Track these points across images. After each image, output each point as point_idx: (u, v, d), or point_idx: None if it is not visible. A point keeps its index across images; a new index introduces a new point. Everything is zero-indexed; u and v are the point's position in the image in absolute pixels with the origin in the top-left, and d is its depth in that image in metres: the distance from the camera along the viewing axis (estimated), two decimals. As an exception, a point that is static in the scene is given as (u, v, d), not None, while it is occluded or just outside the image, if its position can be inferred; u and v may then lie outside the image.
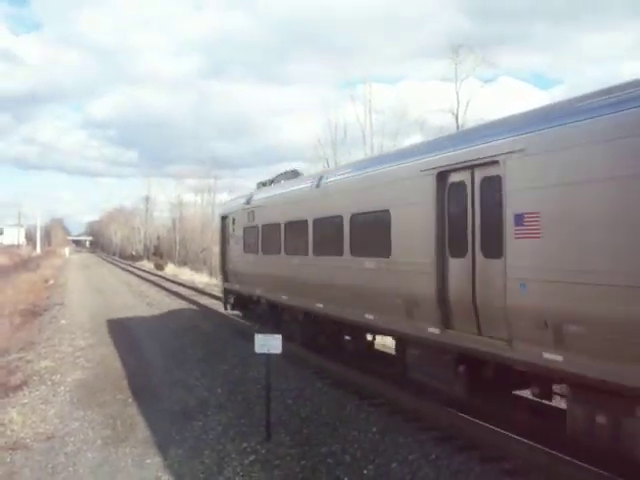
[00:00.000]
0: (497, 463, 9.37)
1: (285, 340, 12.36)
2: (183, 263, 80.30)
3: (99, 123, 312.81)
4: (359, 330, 15.65)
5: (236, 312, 25.59)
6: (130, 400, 14.42)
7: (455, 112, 44.13)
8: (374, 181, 13.53)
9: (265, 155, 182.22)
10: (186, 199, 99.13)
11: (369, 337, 16.51)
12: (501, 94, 72.47)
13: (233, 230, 24.67)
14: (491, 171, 9.88)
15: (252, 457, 10.49)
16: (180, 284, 47.65)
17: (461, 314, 10.64)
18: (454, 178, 10.87)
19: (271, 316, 20.74)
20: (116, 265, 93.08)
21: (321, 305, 15.92)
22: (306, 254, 16.76)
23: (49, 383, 16.38)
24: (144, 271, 71.07)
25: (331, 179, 16.18)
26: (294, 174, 21.95)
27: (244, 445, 11.02)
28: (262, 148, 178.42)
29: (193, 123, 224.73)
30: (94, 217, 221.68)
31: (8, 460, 11.07)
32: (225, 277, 26.34)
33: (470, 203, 10.42)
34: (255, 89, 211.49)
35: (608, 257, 7.76)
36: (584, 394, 8.60)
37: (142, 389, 15.25)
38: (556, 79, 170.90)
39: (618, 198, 7.67)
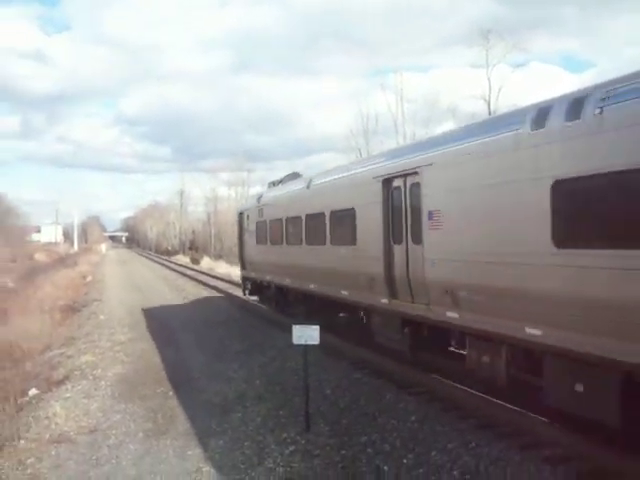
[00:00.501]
0: (537, 451, 9.32)
1: (291, 317, 19.03)
2: (219, 256, 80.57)
3: (131, 120, 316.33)
4: (343, 305, 18.06)
5: (254, 297, 28.63)
6: (170, 393, 14.59)
7: (487, 98, 43.78)
8: (344, 184, 16.94)
9: (298, 147, 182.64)
10: (220, 193, 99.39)
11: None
12: (533, 79, 71.45)
13: (247, 225, 28.26)
14: (415, 179, 13.04)
15: (292, 447, 10.55)
16: (216, 277, 47.88)
17: (401, 287, 13.82)
18: (395, 183, 14.06)
19: (279, 298, 24.58)
20: (152, 260, 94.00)
21: (313, 286, 19.27)
22: (301, 244, 20.18)
23: (90, 377, 16.66)
24: (180, 265, 71.62)
25: (317, 182, 19.36)
26: (295, 176, 24.85)
27: (284, 436, 11.09)
28: (294, 140, 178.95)
29: (224, 117, 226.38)
30: (129, 213, 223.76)
31: (53, 453, 11.31)
32: (243, 266, 30.03)
33: (404, 202, 13.64)
34: (285, 82, 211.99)
35: (482, 242, 10.83)
36: (475, 342, 11.57)
37: (181, 382, 15.41)
38: (588, 61, 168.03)
39: (487, 200, 10.64)
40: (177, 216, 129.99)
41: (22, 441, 12.14)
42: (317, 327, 11.52)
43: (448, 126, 37.86)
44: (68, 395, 15.12)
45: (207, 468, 10.09)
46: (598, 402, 8.80)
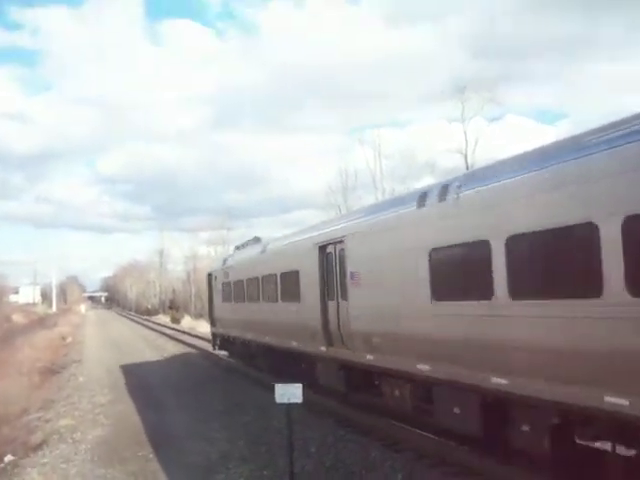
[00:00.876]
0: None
1: (257, 370, 23.96)
2: (199, 315, 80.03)
3: (111, 179, 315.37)
4: (295, 355, 20.19)
5: (223, 352, 31.12)
6: (151, 455, 14.26)
7: (464, 152, 44.33)
8: (290, 250, 19.81)
9: (278, 204, 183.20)
10: (200, 251, 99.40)
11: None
12: (508, 132, 72.44)
13: (215, 285, 31.23)
14: (342, 245, 15.55)
15: (277, 510, 10.33)
16: (197, 336, 47.48)
17: (335, 337, 16.21)
18: (328, 249, 16.61)
19: (244, 351, 26.99)
20: (132, 320, 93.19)
21: (269, 339, 22.05)
22: (259, 301, 23.07)
23: (69, 441, 16.28)
24: (160, 325, 71.05)
25: (270, 247, 22.47)
26: (256, 240, 27.48)
27: (269, 497, 10.86)
28: (275, 197, 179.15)
29: (205, 175, 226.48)
30: (108, 273, 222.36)
31: (30, 522, 10.95)
32: (212, 323, 32.93)
33: (335, 265, 16.13)
34: (265, 139, 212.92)
35: (386, 298, 13.28)
36: (387, 379, 14.34)
37: (163, 444, 15.08)
38: (561, 114, 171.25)
39: (388, 264, 13.21)
40: (157, 275, 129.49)
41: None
42: (300, 385, 11.35)
43: (426, 181, 38.17)
44: (46, 460, 14.73)
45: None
46: (469, 419, 10.99)
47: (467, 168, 40.28)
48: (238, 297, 26.33)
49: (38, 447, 16.12)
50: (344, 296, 15.56)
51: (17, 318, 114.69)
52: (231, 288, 27.58)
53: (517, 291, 9.42)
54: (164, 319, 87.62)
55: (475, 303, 10.26)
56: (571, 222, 8.39)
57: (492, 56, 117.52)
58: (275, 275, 21.04)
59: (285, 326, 20.12)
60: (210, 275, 32.60)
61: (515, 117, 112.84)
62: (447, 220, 11.14)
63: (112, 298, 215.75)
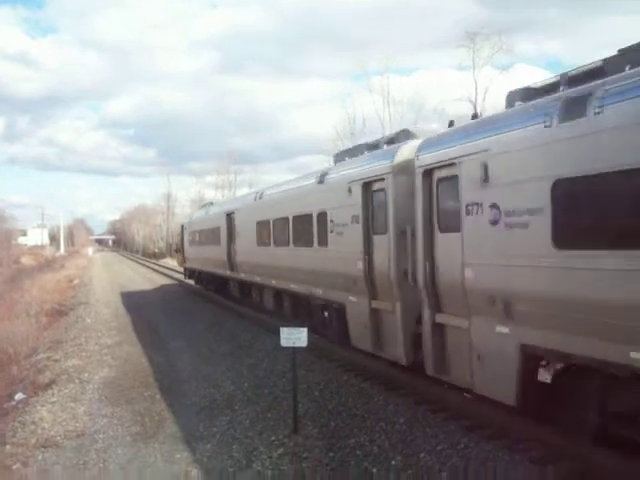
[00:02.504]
0: (525, 452, 9.33)
1: (208, 290, 37.42)
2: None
3: (117, 123, 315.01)
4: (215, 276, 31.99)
5: (191, 281, 43.51)
6: (158, 397, 14.52)
7: (473, 100, 43.87)
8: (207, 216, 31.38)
9: (285, 149, 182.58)
10: (207, 195, 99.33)
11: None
12: (518, 81, 71.66)
13: (185, 234, 44.64)
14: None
15: (280, 450, 10.52)
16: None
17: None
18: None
19: (211, 281, 36.67)
20: (139, 263, 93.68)
21: (209, 268, 35.06)
22: (201, 246, 37.84)
23: (77, 381, 16.53)
24: (167, 268, 71.31)
25: (213, 210, 35.59)
26: (208, 205, 41.74)
27: (272, 438, 11.05)
28: (281, 142, 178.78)
29: (211, 119, 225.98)
30: (116, 216, 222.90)
31: (40, 458, 11.20)
32: (184, 261, 46.85)
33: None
34: (272, 84, 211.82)
35: None
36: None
37: (169, 385, 15.37)
38: (572, 64, 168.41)
39: None
40: (164, 219, 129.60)
41: (8, 446, 12.02)
42: (304, 329, 11.51)
43: (434, 128, 37.83)
44: (55, 399, 15.00)
45: (195, 471, 10.04)
46: None
47: (476, 116, 39.86)
48: (194, 242, 39.90)
49: (47, 386, 16.39)
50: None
51: (26, 260, 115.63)
52: (194, 237, 39.56)
53: None
54: (171, 262, 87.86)
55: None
56: None
57: (499, 4, 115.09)
58: (216, 229, 31.53)
59: (208, 259, 34.63)
60: (182, 227, 44.67)
61: (525, 66, 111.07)
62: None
63: (119, 241, 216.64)
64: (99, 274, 64.78)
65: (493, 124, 10.26)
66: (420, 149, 12.14)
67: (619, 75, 8.00)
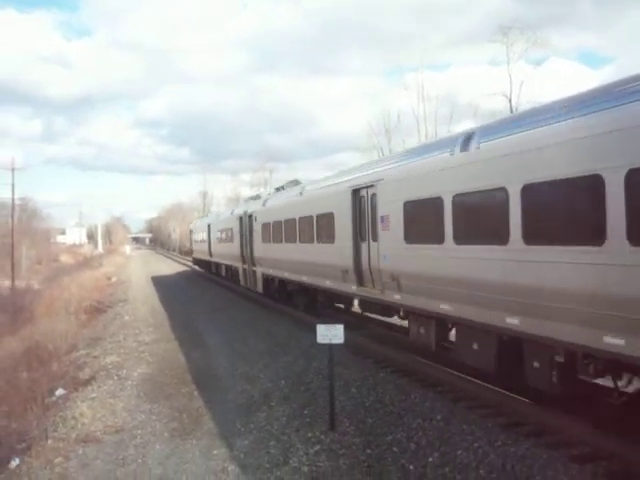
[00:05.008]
0: (564, 450, 9.25)
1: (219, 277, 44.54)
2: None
3: (152, 122, 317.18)
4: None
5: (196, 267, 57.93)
6: (195, 393, 14.64)
7: (508, 95, 43.46)
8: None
9: (319, 146, 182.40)
10: (242, 193, 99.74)
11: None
12: (552, 75, 70.58)
13: (210, 232, 46.25)
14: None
15: (317, 447, 10.54)
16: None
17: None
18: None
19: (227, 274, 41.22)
20: (175, 260, 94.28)
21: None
22: (218, 243, 37.82)
23: (116, 378, 16.74)
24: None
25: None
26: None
27: (309, 435, 11.09)
28: (315, 139, 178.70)
29: (245, 118, 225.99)
30: (152, 214, 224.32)
31: (80, 452, 11.39)
32: (209, 254, 47.92)
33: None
34: (305, 81, 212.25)
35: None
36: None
37: (206, 382, 15.46)
38: (607, 58, 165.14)
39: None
40: (200, 216, 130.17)
41: (50, 440, 12.24)
42: (341, 326, 11.51)
43: (468, 124, 37.63)
44: (94, 395, 15.22)
45: (232, 467, 10.12)
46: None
47: (511, 111, 39.56)
48: (215, 240, 39.70)
49: (87, 382, 16.63)
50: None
51: (64, 258, 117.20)
52: (210, 235, 41.01)
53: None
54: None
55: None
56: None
57: None
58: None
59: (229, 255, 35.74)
60: (209, 225, 42.43)
61: (559, 60, 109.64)
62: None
63: (156, 239, 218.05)
64: (136, 272, 65.36)
65: None
66: None
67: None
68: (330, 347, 11.62)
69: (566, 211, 9.16)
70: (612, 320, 8.35)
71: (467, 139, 11.68)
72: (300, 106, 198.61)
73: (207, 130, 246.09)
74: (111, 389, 15.66)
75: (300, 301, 24.83)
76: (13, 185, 67.43)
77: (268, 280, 28.34)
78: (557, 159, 9.21)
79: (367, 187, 16.37)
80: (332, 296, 21.18)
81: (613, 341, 8.42)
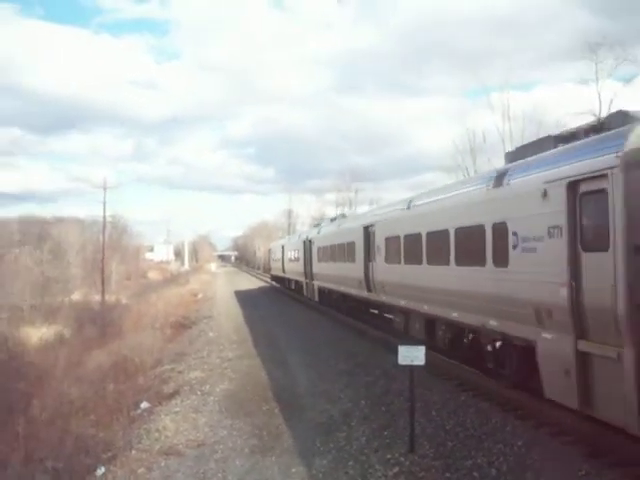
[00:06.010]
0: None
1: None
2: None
3: (237, 142, 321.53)
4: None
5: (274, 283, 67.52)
6: (276, 411, 14.73)
7: (597, 114, 42.41)
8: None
9: (403, 166, 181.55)
10: (327, 212, 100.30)
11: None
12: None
13: (284, 252, 54.54)
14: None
15: (396, 469, 10.47)
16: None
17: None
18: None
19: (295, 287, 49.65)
20: (260, 279, 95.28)
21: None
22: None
23: (199, 393, 17.02)
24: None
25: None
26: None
27: (388, 456, 11.02)
28: (399, 159, 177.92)
29: (329, 137, 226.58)
30: (238, 233, 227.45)
31: (163, 464, 11.64)
32: (282, 270, 57.11)
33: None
34: (388, 101, 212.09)
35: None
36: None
37: (287, 400, 15.53)
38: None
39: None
40: (282, 237, 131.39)
41: (134, 451, 12.55)
42: (423, 347, 11.44)
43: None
44: (177, 409, 15.52)
45: (311, 486, 10.15)
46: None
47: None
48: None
49: (171, 397, 16.98)
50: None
51: (152, 275, 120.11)
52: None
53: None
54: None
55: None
56: None
57: (617, 12, 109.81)
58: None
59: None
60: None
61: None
62: None
63: (241, 257, 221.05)
64: (222, 289, 66.42)
65: None
66: None
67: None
68: (411, 368, 11.56)
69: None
70: (491, 310, 13.86)
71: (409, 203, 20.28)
72: (384, 126, 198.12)
73: (291, 150, 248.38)
74: (194, 404, 15.93)
75: (339, 305, 33.26)
76: (105, 203, 69.45)
77: (322, 291, 37.22)
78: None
79: (370, 226, 24.75)
80: (359, 301, 28.49)
81: (492, 322, 13.92)
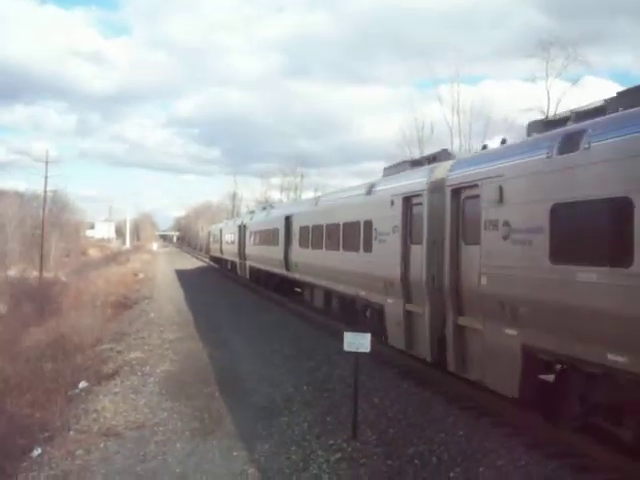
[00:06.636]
0: (591, 474, 9.10)
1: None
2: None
3: (183, 122, 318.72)
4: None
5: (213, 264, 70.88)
6: (217, 394, 14.63)
7: (545, 111, 43.04)
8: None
9: (350, 153, 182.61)
10: (272, 197, 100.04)
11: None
12: (587, 93, 69.88)
13: (222, 235, 59.56)
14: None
15: (338, 455, 10.48)
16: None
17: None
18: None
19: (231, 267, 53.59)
20: (202, 260, 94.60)
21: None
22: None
23: (139, 374, 16.83)
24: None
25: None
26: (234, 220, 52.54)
27: (330, 442, 11.02)
28: (346, 146, 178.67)
29: (276, 121, 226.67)
30: (181, 213, 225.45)
31: (102, 446, 11.46)
32: (220, 251, 61.25)
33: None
34: (337, 88, 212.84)
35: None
36: None
37: (229, 383, 15.45)
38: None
39: None
40: (229, 217, 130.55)
41: (72, 432, 12.34)
42: (368, 335, 11.46)
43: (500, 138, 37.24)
44: (117, 390, 15.31)
45: (252, 470, 10.10)
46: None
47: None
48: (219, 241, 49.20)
49: (110, 377, 16.74)
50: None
51: (92, 252, 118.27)
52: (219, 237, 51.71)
53: None
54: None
55: None
56: None
57: (567, 13, 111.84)
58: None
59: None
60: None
61: (594, 78, 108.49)
62: None
63: (183, 238, 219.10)
64: (163, 269, 65.79)
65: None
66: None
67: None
68: (356, 355, 11.57)
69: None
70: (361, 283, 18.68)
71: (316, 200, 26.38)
72: (332, 113, 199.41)
73: (238, 132, 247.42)
74: (134, 385, 15.74)
75: (266, 282, 37.56)
76: (46, 177, 68.30)
77: (252, 270, 41.90)
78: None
79: (290, 216, 29.95)
80: (281, 278, 32.78)
81: (361, 293, 18.60)
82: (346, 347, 11.45)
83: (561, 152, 9.64)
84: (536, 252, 10.03)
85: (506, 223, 10.88)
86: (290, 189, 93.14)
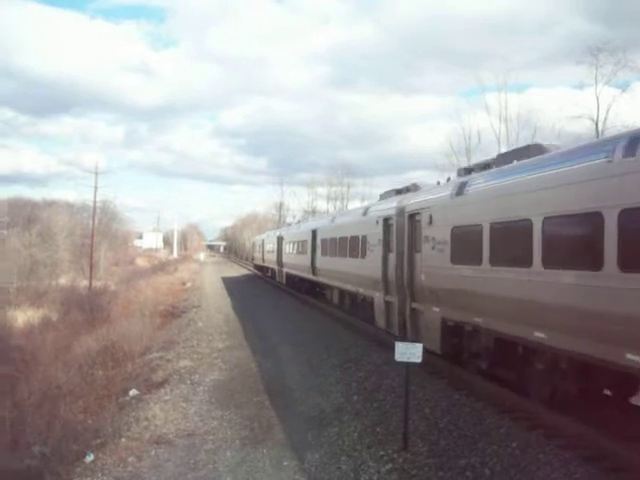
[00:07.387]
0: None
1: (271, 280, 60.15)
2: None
3: (230, 132, 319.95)
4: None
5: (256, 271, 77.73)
6: (267, 403, 14.64)
7: (595, 119, 42.34)
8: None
9: (395, 163, 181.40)
10: (319, 206, 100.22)
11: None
12: (637, 99, 68.41)
13: (264, 245, 65.82)
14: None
15: (389, 465, 10.38)
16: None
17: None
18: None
19: (271, 274, 60.39)
20: (247, 268, 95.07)
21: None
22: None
23: (188, 382, 16.91)
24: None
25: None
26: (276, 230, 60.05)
27: (381, 453, 10.93)
28: (392, 156, 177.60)
29: (322, 131, 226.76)
30: (228, 223, 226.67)
31: (153, 453, 11.53)
32: (262, 260, 67.87)
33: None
34: (382, 98, 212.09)
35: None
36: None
37: (278, 393, 15.44)
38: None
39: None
40: (275, 227, 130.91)
41: (123, 439, 12.43)
42: (420, 345, 11.35)
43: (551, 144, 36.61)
44: (167, 398, 15.40)
45: (302, 480, 10.06)
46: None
47: (597, 135, 38.58)
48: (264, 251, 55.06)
49: (160, 385, 16.85)
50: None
51: (140, 262, 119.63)
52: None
53: None
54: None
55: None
56: None
57: (613, 20, 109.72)
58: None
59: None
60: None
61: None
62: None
63: (230, 247, 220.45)
64: (210, 278, 66.17)
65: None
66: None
67: None
68: (407, 365, 11.46)
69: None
70: (360, 283, 24.61)
71: (333, 218, 33.59)
72: (378, 123, 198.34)
73: (284, 142, 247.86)
74: (184, 393, 15.82)
75: (299, 286, 42.96)
76: (95, 187, 69.30)
77: (288, 276, 47.54)
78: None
79: (315, 230, 35.58)
80: (309, 281, 39.06)
81: (360, 290, 24.55)
82: (397, 357, 11.35)
83: (456, 194, 15.14)
84: (445, 256, 15.49)
85: (433, 238, 16.26)
86: (337, 199, 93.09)
